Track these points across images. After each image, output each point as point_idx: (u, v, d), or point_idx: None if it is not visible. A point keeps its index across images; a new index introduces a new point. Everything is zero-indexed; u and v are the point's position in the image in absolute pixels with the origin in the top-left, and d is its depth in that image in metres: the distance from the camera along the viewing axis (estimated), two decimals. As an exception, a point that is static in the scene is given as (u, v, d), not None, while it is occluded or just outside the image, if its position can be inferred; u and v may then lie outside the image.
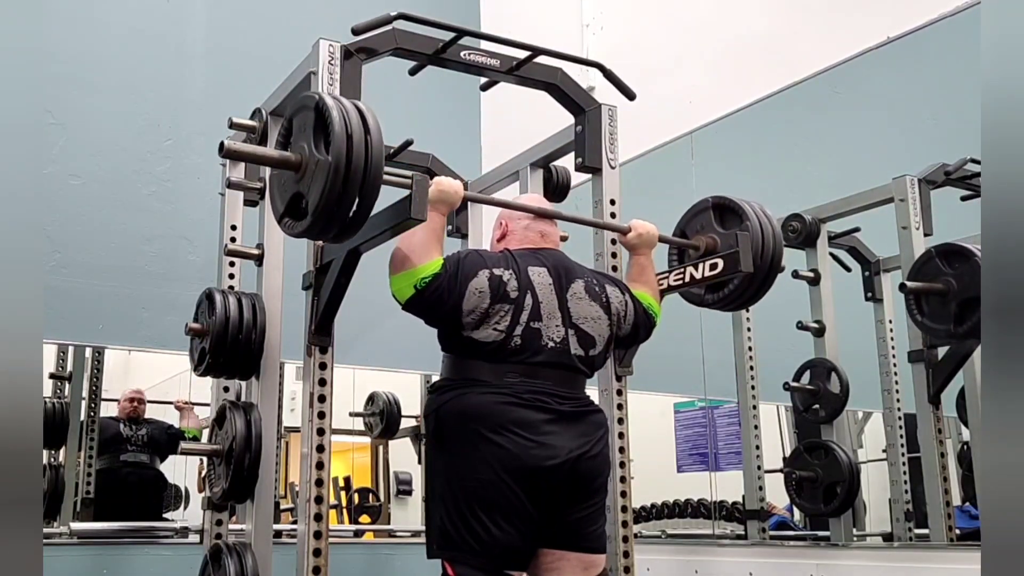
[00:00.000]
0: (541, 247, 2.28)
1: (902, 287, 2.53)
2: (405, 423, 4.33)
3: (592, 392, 2.29)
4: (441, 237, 2.16)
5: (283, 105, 2.42)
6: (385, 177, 1.83)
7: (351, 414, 4.25)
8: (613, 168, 2.56)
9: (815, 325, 3.02)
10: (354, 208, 1.77)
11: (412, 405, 4.31)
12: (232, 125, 2.52)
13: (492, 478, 2.01)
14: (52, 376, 3.51)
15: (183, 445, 2.54)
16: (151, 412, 3.86)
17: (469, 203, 3.03)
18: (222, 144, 1.80)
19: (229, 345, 2.38)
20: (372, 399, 4.31)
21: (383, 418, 4.29)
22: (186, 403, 3.77)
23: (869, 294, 2.99)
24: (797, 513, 3.22)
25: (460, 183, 2.22)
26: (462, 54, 2.46)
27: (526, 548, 2.07)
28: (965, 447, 2.70)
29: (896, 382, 2.83)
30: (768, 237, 2.37)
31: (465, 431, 2.06)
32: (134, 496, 3.76)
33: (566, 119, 2.67)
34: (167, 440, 3.81)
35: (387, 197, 2.09)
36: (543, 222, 2.32)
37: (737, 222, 2.39)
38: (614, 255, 2.51)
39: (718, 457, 3.51)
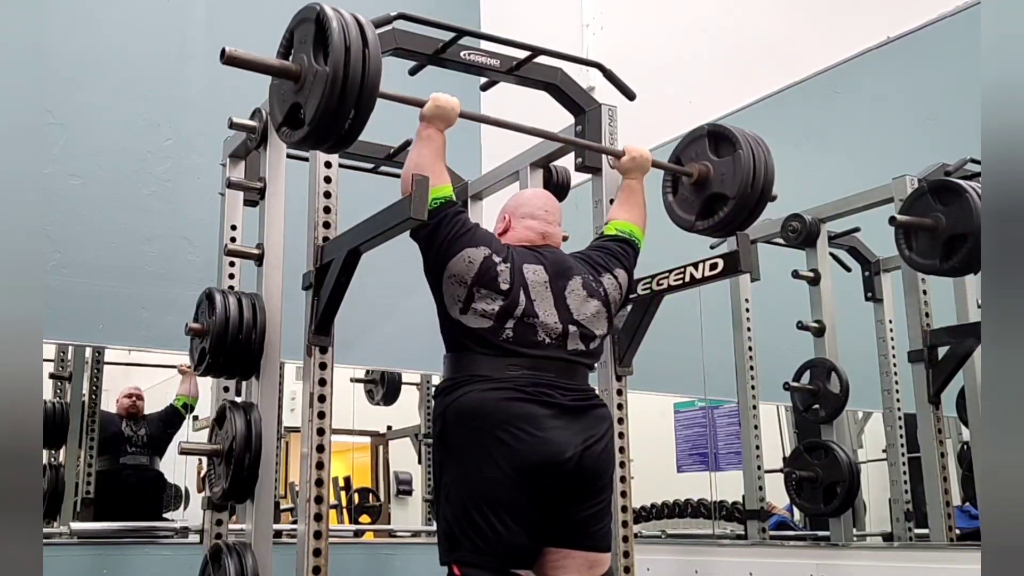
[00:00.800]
0: (541, 245, 2.28)
1: (892, 220, 2.51)
2: (405, 390, 4.31)
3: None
4: (444, 159, 2.19)
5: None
6: (386, 92, 1.86)
7: (352, 380, 4.23)
8: (613, 168, 2.56)
9: (815, 325, 3.02)
10: (350, 120, 1.79)
11: (413, 373, 4.30)
12: (232, 125, 2.53)
13: (497, 476, 2.01)
14: (52, 376, 3.51)
15: (183, 445, 2.54)
16: (150, 412, 3.87)
17: (469, 201, 3.03)
18: (224, 50, 1.80)
19: (229, 345, 2.38)
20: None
21: (384, 383, 4.28)
22: (188, 367, 3.77)
23: (869, 294, 2.99)
24: (797, 513, 3.22)
25: (457, 100, 2.20)
26: (462, 54, 2.46)
27: (532, 547, 2.06)
28: (965, 447, 2.70)
29: (896, 382, 2.83)
30: (760, 165, 2.35)
31: (469, 430, 2.06)
32: (134, 496, 3.76)
33: (566, 119, 2.67)
34: (164, 421, 3.83)
35: (387, 197, 2.10)
36: (546, 223, 2.32)
37: (731, 150, 2.38)
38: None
39: (718, 457, 3.51)
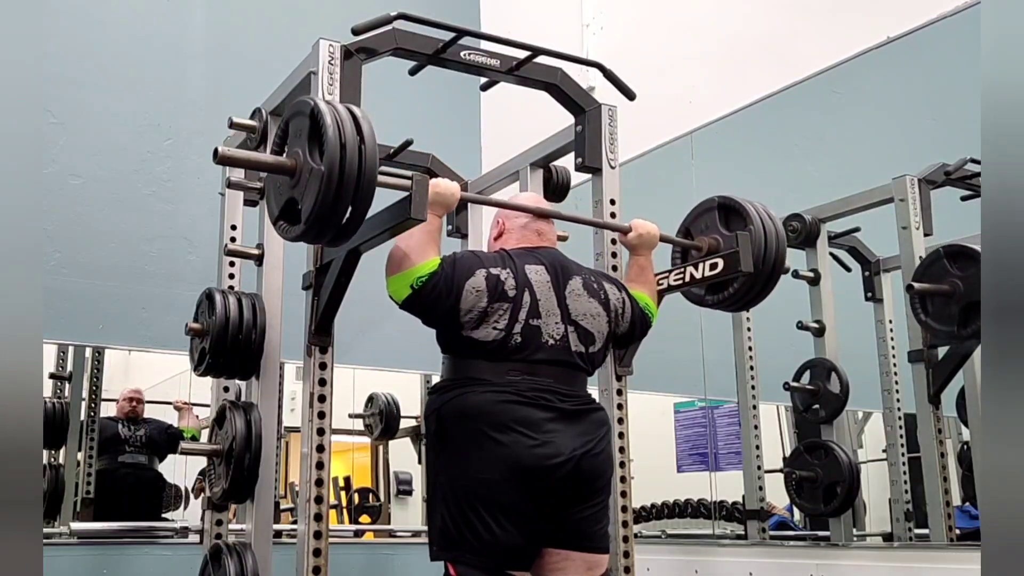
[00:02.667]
0: (538, 246, 2.28)
1: (909, 288, 2.52)
2: (404, 424, 4.33)
3: (592, 392, 2.29)
4: (437, 239, 2.16)
5: (283, 105, 2.42)
6: (382, 179, 1.84)
7: (351, 415, 4.25)
8: (613, 168, 2.56)
9: (815, 325, 3.02)
10: (347, 216, 1.78)
11: (412, 406, 4.31)
12: (232, 125, 2.52)
13: (494, 477, 2.01)
14: (52, 376, 3.50)
15: (183, 445, 2.54)
16: (151, 412, 3.86)
17: (469, 203, 3.03)
18: (216, 151, 1.80)
19: (229, 345, 2.38)
20: (371, 400, 4.31)
21: (382, 419, 4.29)
22: (185, 403, 3.77)
23: (869, 294, 2.99)
24: (797, 513, 3.22)
25: (457, 185, 2.22)
26: (462, 54, 2.46)
27: (528, 548, 2.06)
28: (965, 447, 2.70)
29: (896, 382, 2.83)
30: (771, 240, 2.36)
31: (466, 430, 2.06)
32: (133, 496, 3.76)
33: (566, 119, 2.67)
34: (166, 440, 3.81)
35: (387, 197, 2.10)
36: (540, 221, 2.32)
37: (741, 224, 2.39)
38: (614, 255, 2.51)
39: (718, 457, 3.51)
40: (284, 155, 1.86)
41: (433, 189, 2.13)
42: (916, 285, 2.51)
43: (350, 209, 1.77)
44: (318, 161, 1.74)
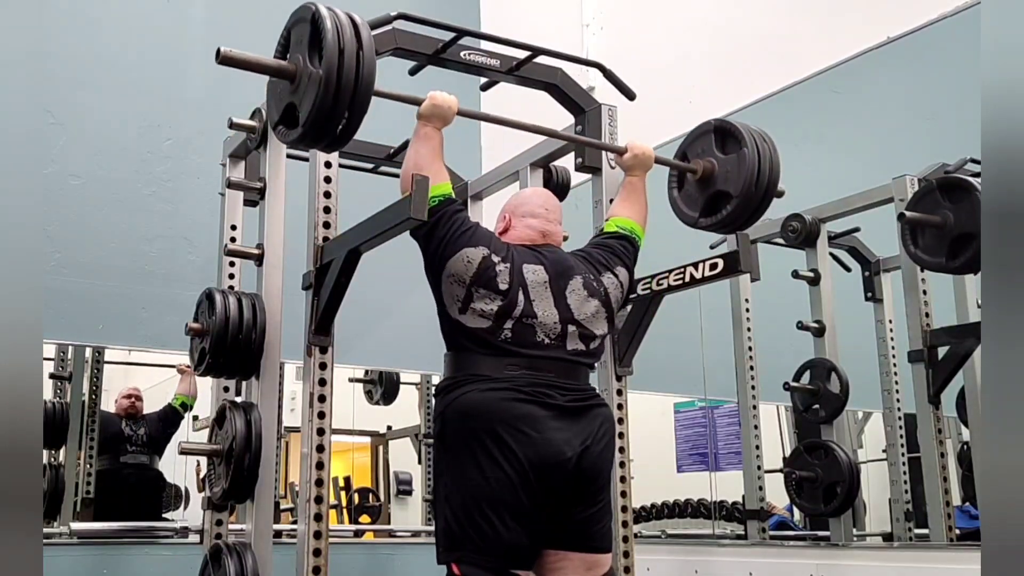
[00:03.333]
0: (541, 244, 2.28)
1: (900, 216, 2.51)
2: (404, 390, 4.32)
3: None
4: (441, 154, 2.18)
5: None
6: (386, 91, 1.88)
7: (350, 380, 4.23)
8: (613, 168, 2.56)
9: (815, 325, 3.02)
10: (344, 120, 1.80)
11: (413, 374, 4.30)
12: (232, 125, 2.53)
13: (498, 475, 2.00)
14: (52, 376, 3.50)
15: (183, 445, 2.54)
16: (148, 412, 3.87)
17: (469, 200, 3.03)
18: (219, 50, 1.80)
19: (229, 345, 2.38)
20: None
21: (382, 383, 4.29)
22: (188, 367, 3.77)
23: (869, 294, 2.99)
24: (797, 513, 3.22)
25: (454, 98, 2.20)
26: (462, 54, 2.46)
27: (532, 547, 2.06)
28: (965, 447, 2.70)
29: (896, 382, 2.83)
30: (764, 163, 2.34)
31: (469, 429, 2.05)
32: (134, 496, 3.76)
33: (566, 119, 2.67)
34: (161, 423, 3.83)
35: (387, 197, 2.10)
36: (546, 221, 2.32)
37: (736, 147, 2.36)
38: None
39: (718, 457, 3.51)
40: (286, 61, 1.88)
41: (430, 101, 2.16)
42: (908, 214, 2.50)
43: (347, 114, 1.80)
44: (317, 65, 1.77)
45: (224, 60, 1.82)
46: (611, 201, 2.54)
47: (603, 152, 2.57)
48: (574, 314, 2.18)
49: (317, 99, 1.76)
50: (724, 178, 2.37)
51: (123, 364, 3.78)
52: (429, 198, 2.02)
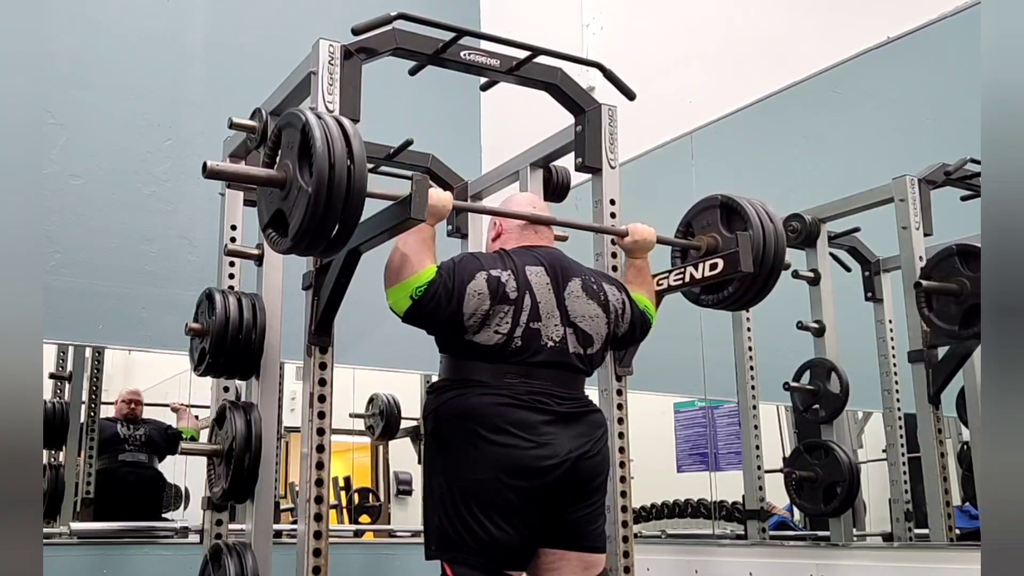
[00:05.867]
0: (537, 244, 2.28)
1: (917, 285, 2.53)
2: (405, 424, 4.33)
3: (592, 392, 2.29)
4: (432, 246, 2.15)
5: (283, 106, 2.42)
6: (373, 191, 1.84)
7: (351, 415, 4.25)
8: (613, 168, 2.56)
9: (815, 325, 3.02)
10: (335, 232, 1.79)
11: (412, 407, 4.31)
12: (232, 125, 2.52)
13: (490, 478, 2.01)
14: (52, 376, 3.50)
15: (183, 445, 2.54)
16: (149, 413, 3.86)
17: (470, 199, 3.03)
18: (205, 164, 1.80)
19: (229, 345, 2.38)
20: (372, 401, 4.31)
21: (383, 418, 4.29)
22: (182, 404, 3.77)
23: (869, 294, 2.99)
24: (797, 513, 3.22)
25: (449, 194, 2.21)
26: (462, 54, 2.45)
27: (525, 548, 2.07)
28: (965, 447, 2.70)
29: (896, 382, 2.83)
30: (770, 241, 2.36)
31: (463, 431, 2.06)
32: (133, 496, 3.76)
33: (566, 119, 2.67)
34: (166, 441, 3.82)
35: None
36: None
37: (741, 225, 2.38)
38: (614, 255, 2.51)
39: (718, 457, 3.51)
40: (276, 165, 1.87)
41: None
42: (924, 283, 2.51)
43: (337, 226, 1.78)
44: (307, 179, 1.75)
45: (211, 174, 1.82)
46: (611, 202, 2.54)
47: (603, 152, 2.57)
48: (571, 315, 2.18)
49: (307, 213, 1.74)
50: None
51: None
52: (414, 290, 2.04)
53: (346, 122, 1.81)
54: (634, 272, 2.44)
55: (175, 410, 3.82)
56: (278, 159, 1.87)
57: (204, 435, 2.56)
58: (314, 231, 1.76)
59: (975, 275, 2.42)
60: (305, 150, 1.76)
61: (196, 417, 3.77)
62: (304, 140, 1.77)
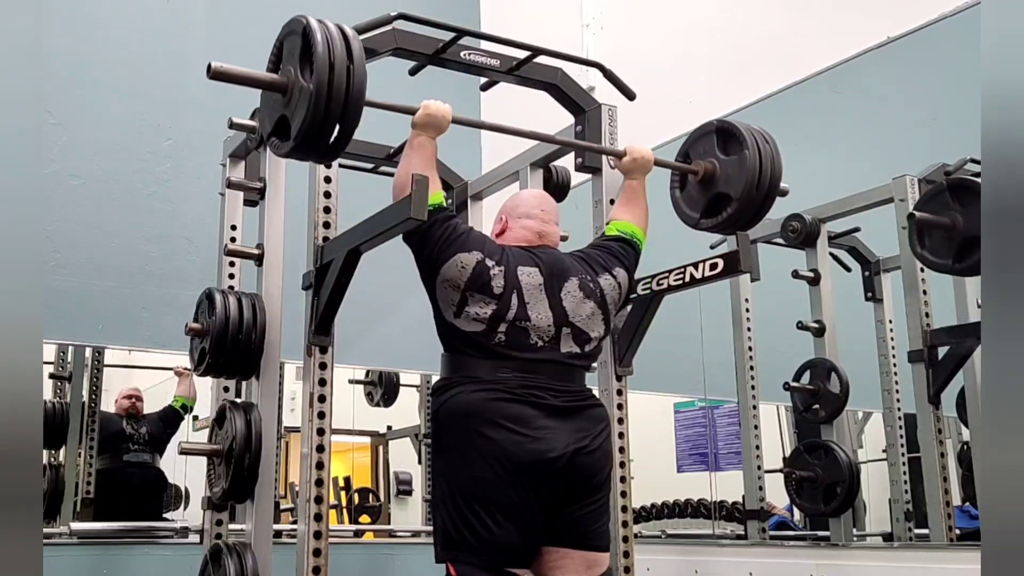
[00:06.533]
0: (537, 245, 2.28)
1: (910, 216, 2.51)
2: (405, 392, 4.32)
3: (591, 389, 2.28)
4: (435, 164, 2.17)
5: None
6: (372, 100, 1.87)
7: (350, 381, 4.24)
8: (613, 168, 2.56)
9: (815, 325, 3.02)
10: (335, 134, 1.82)
11: (412, 376, 4.30)
12: (232, 125, 2.52)
13: (488, 475, 2.01)
14: (52, 376, 3.50)
15: (183, 445, 2.54)
16: (149, 412, 3.87)
17: (469, 201, 3.03)
18: (209, 65, 1.81)
19: (229, 345, 2.38)
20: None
21: (382, 384, 4.29)
22: (186, 369, 3.78)
23: (869, 294, 2.99)
24: (797, 513, 3.22)
25: (448, 107, 2.19)
26: (462, 54, 2.46)
27: (527, 546, 2.06)
28: (965, 447, 2.70)
29: (896, 382, 2.83)
30: (766, 165, 2.33)
31: (460, 429, 2.06)
32: (135, 496, 3.76)
33: (566, 119, 2.67)
34: (162, 422, 3.84)
35: (387, 197, 2.10)
36: (543, 222, 2.32)
37: (738, 149, 2.36)
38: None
39: (718, 457, 3.51)
40: (278, 74, 1.89)
41: (424, 111, 2.15)
42: (917, 214, 2.49)
43: (338, 127, 1.81)
44: (308, 79, 1.78)
45: (215, 75, 1.83)
46: (611, 202, 2.54)
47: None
48: (569, 316, 2.18)
49: (308, 113, 1.77)
50: (725, 180, 2.36)
51: (123, 367, 3.79)
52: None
53: (347, 27, 1.85)
54: (628, 193, 2.44)
55: (178, 374, 3.84)
56: (280, 70, 1.90)
57: (204, 435, 2.56)
58: (316, 130, 1.79)
59: (967, 208, 2.40)
60: (306, 53, 1.80)
61: (194, 385, 3.80)
62: (305, 43, 1.81)
